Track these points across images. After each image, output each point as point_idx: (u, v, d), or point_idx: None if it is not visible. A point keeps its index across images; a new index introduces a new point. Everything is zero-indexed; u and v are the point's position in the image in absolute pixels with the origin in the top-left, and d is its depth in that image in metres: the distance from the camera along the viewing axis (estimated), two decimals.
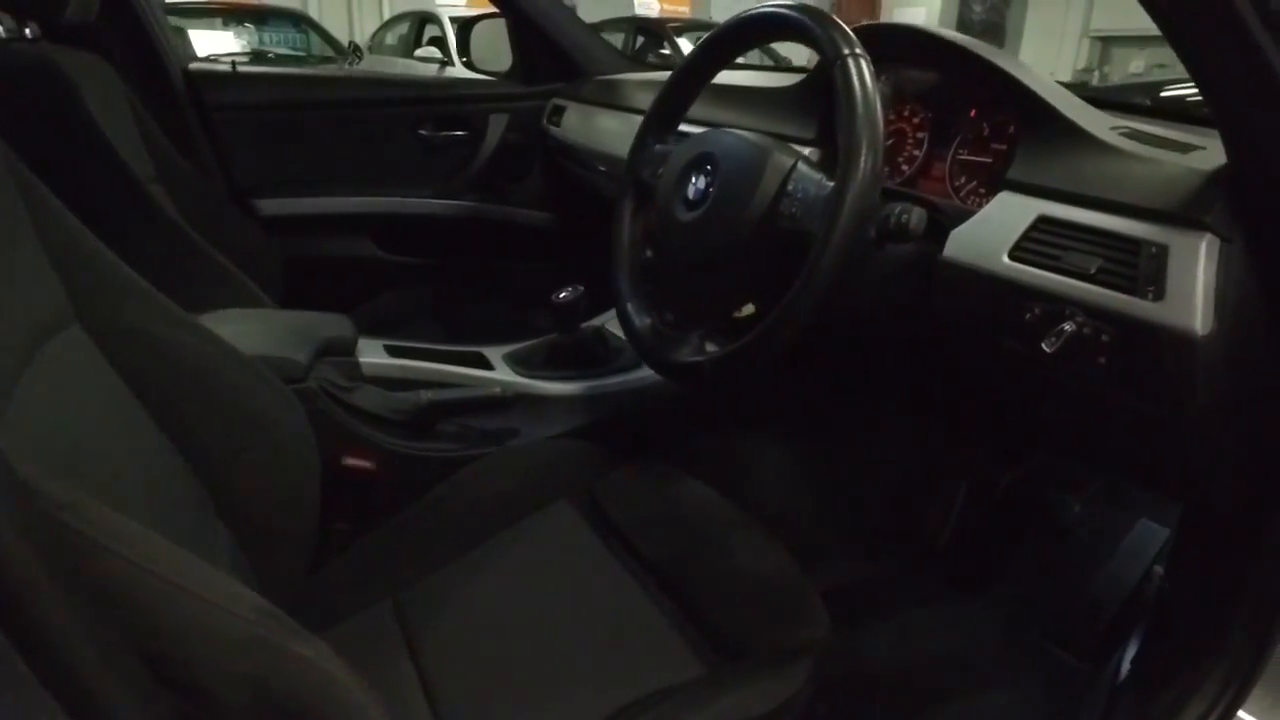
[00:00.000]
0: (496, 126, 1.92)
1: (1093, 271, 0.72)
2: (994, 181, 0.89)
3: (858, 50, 0.72)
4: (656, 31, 8.58)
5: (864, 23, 1.08)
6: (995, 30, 11.73)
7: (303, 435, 0.92)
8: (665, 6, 9.97)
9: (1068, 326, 0.72)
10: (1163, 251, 0.67)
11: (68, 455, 0.63)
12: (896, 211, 0.75)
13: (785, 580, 0.88)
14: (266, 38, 6.89)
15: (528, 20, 1.78)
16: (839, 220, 0.68)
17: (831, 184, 0.72)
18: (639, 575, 0.90)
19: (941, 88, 1.00)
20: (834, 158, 0.75)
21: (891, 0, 11.97)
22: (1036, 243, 0.77)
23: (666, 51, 8.17)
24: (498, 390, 1.17)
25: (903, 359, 1.11)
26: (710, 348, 0.85)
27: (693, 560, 0.91)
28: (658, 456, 1.07)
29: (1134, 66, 9.97)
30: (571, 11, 1.86)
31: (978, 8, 11.54)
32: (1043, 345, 0.73)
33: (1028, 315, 0.77)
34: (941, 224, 0.89)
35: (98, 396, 0.72)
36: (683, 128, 1.33)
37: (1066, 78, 10.52)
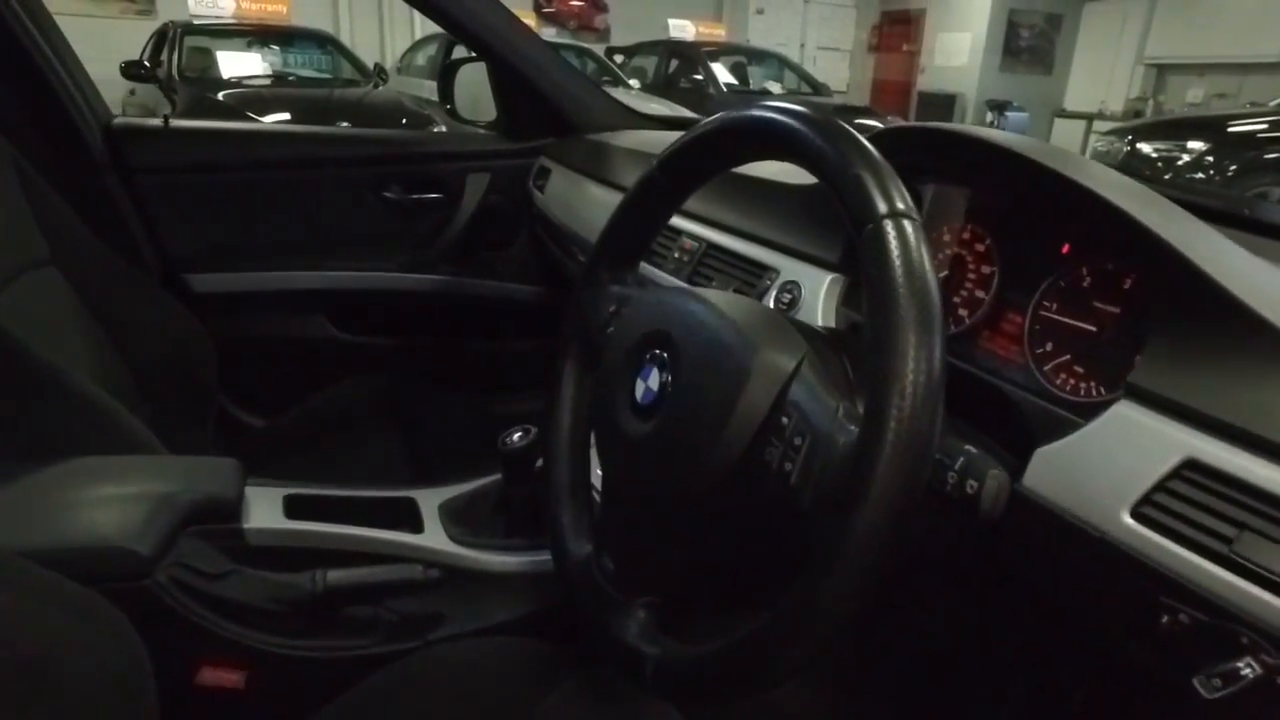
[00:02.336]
0: (476, 188, 1.66)
1: None
2: (1104, 365, 0.60)
3: (901, 207, 0.44)
4: (691, 56, 8.36)
5: (900, 124, 0.80)
6: (1043, 57, 11.33)
7: (117, 662, 0.66)
8: (701, 30, 9.74)
9: (1247, 669, 0.43)
10: None
11: None
12: (958, 467, 0.46)
13: None
14: (291, 59, 6.79)
15: (507, 66, 1.52)
16: (860, 516, 0.39)
17: (856, 430, 0.43)
18: None
19: (1020, 207, 0.71)
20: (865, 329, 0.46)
21: (934, 25, 11.63)
22: (1183, 502, 0.48)
23: (699, 77, 7.94)
24: (419, 571, 0.90)
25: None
26: (667, 631, 0.57)
27: None
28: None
29: (1191, 95, 9.52)
30: (560, 56, 1.60)
31: (1024, 34, 11.15)
32: (1195, 683, 0.45)
33: (1165, 619, 0.48)
34: (1025, 429, 0.60)
35: None
36: (677, 221, 1.06)
37: (1119, 107, 10.10)
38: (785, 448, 0.47)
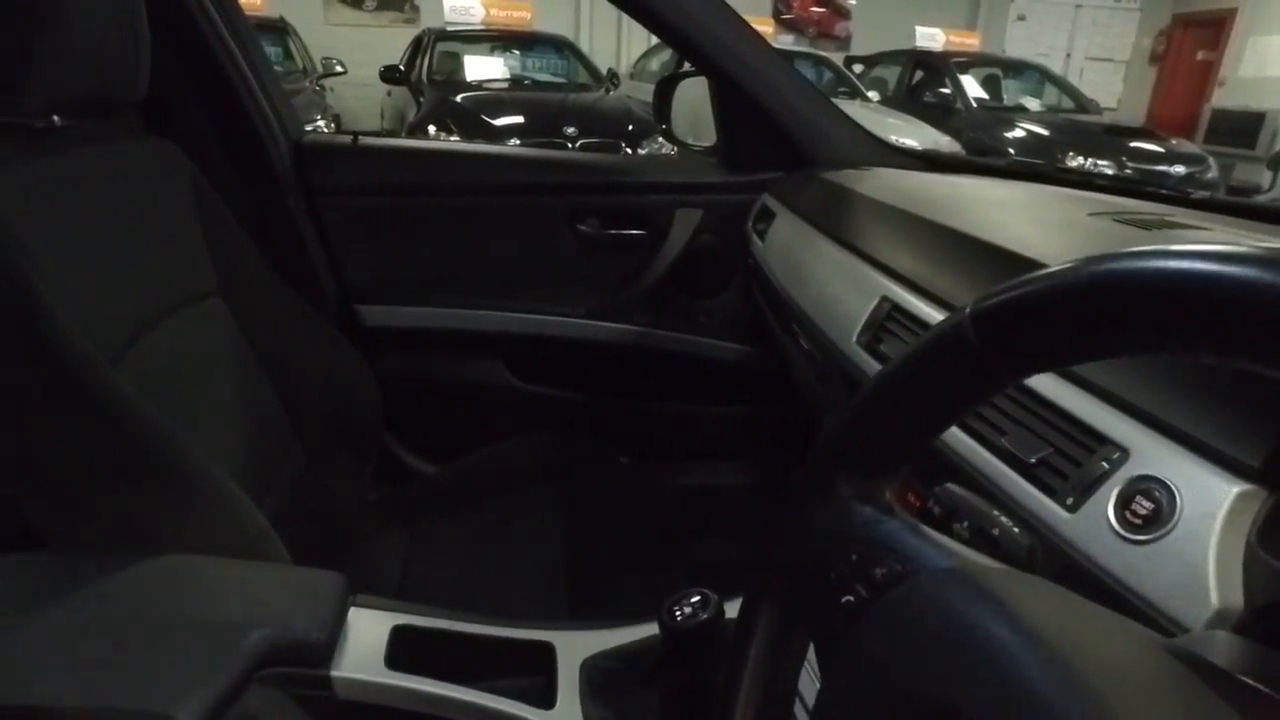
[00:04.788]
0: (685, 225, 1.42)
1: None
2: None
3: None
4: (937, 67, 7.69)
5: None
6: None
7: None
8: (953, 40, 8.97)
9: None
10: None
11: None
12: None
13: None
14: (530, 63, 7.02)
15: (732, 83, 1.26)
16: None
17: None
18: None
19: None
20: None
21: (1246, 28, 9.92)
22: None
23: (946, 90, 7.26)
24: None
25: None
26: None
27: None
28: None
29: None
30: (798, 74, 1.31)
31: None
32: None
33: None
34: None
35: None
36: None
37: None
38: None
